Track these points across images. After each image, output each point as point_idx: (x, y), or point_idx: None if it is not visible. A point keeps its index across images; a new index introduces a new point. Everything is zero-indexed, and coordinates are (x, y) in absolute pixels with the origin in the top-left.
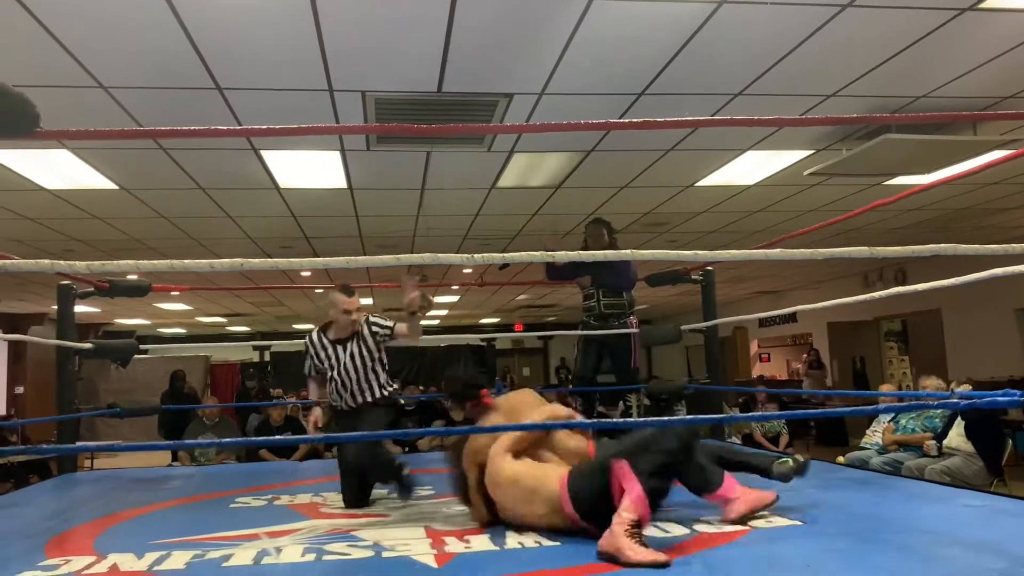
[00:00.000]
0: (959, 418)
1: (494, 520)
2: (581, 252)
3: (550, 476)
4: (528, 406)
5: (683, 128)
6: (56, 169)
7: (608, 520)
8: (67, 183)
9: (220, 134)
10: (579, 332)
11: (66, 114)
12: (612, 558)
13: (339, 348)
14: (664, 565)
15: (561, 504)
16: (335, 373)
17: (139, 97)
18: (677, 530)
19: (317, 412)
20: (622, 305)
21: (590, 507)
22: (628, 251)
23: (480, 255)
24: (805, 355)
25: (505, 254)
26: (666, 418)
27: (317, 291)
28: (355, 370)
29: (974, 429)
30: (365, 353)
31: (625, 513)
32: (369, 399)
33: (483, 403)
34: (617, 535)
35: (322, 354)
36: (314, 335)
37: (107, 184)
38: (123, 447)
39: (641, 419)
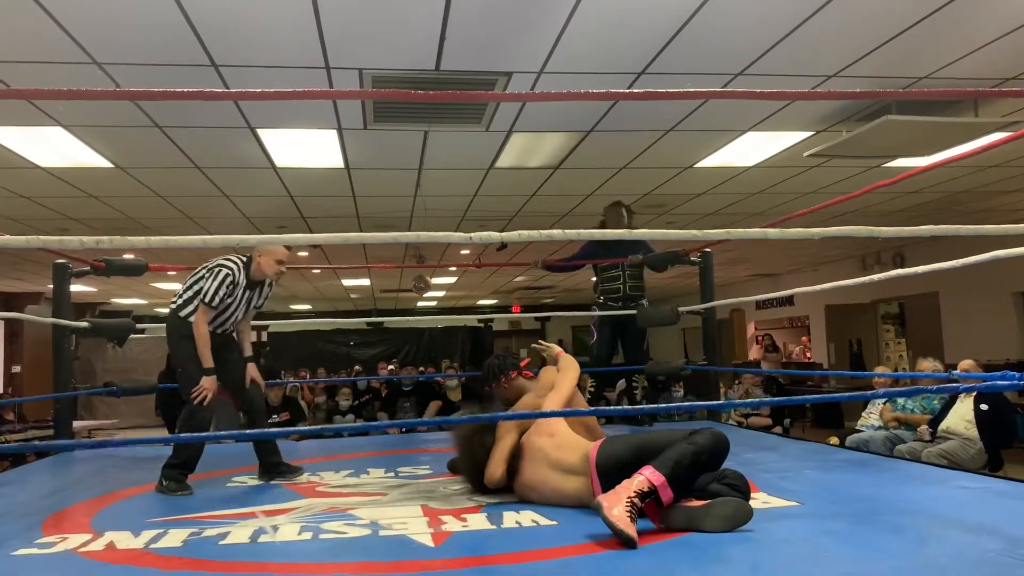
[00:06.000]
0: (965, 402)
1: (504, 488)
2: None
3: (587, 442)
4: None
5: (690, 100)
6: (50, 146)
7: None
8: (61, 160)
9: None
10: (605, 313)
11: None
12: (599, 508)
13: (248, 290)
14: (629, 545)
15: (590, 464)
16: (233, 310)
17: (134, 74)
18: None
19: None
20: (642, 287)
21: (615, 471)
22: (626, 230)
23: (477, 234)
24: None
25: (503, 234)
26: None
27: (314, 271)
28: (244, 312)
29: (987, 417)
30: (257, 302)
31: (643, 476)
32: (232, 333)
33: (523, 375)
34: (620, 494)
35: (237, 292)
36: (239, 272)
37: (101, 162)
38: (120, 442)
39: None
